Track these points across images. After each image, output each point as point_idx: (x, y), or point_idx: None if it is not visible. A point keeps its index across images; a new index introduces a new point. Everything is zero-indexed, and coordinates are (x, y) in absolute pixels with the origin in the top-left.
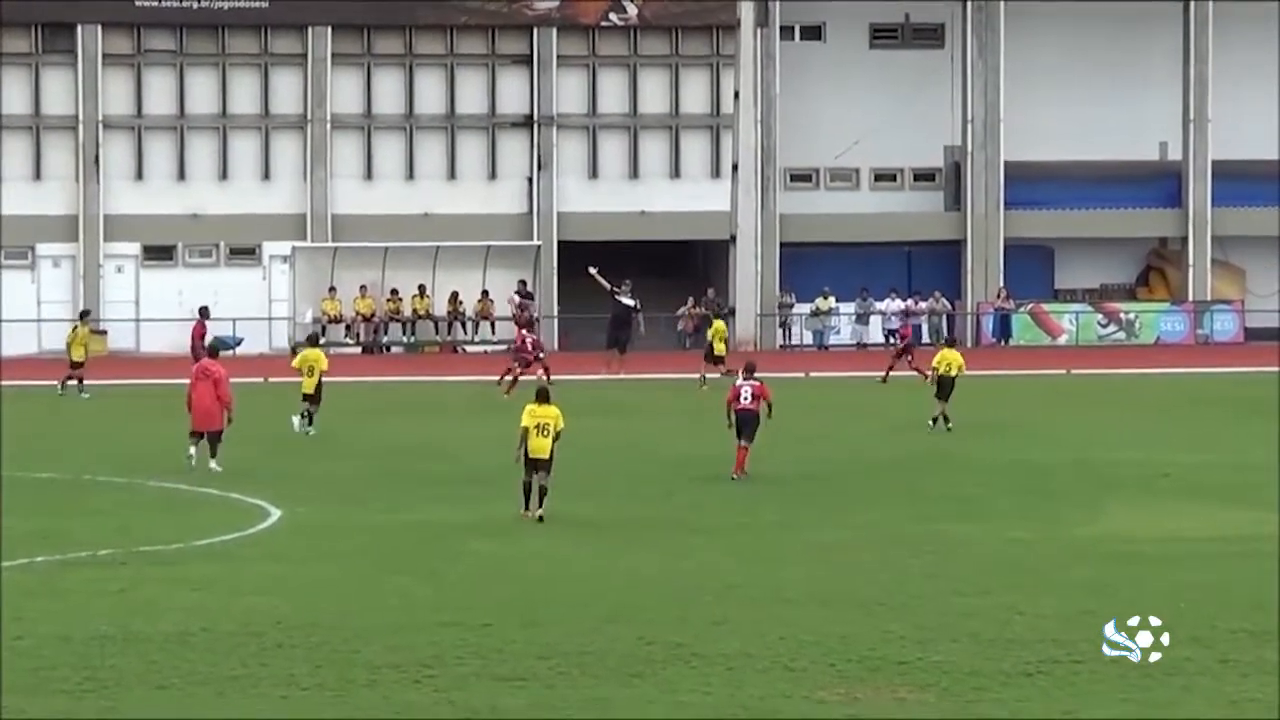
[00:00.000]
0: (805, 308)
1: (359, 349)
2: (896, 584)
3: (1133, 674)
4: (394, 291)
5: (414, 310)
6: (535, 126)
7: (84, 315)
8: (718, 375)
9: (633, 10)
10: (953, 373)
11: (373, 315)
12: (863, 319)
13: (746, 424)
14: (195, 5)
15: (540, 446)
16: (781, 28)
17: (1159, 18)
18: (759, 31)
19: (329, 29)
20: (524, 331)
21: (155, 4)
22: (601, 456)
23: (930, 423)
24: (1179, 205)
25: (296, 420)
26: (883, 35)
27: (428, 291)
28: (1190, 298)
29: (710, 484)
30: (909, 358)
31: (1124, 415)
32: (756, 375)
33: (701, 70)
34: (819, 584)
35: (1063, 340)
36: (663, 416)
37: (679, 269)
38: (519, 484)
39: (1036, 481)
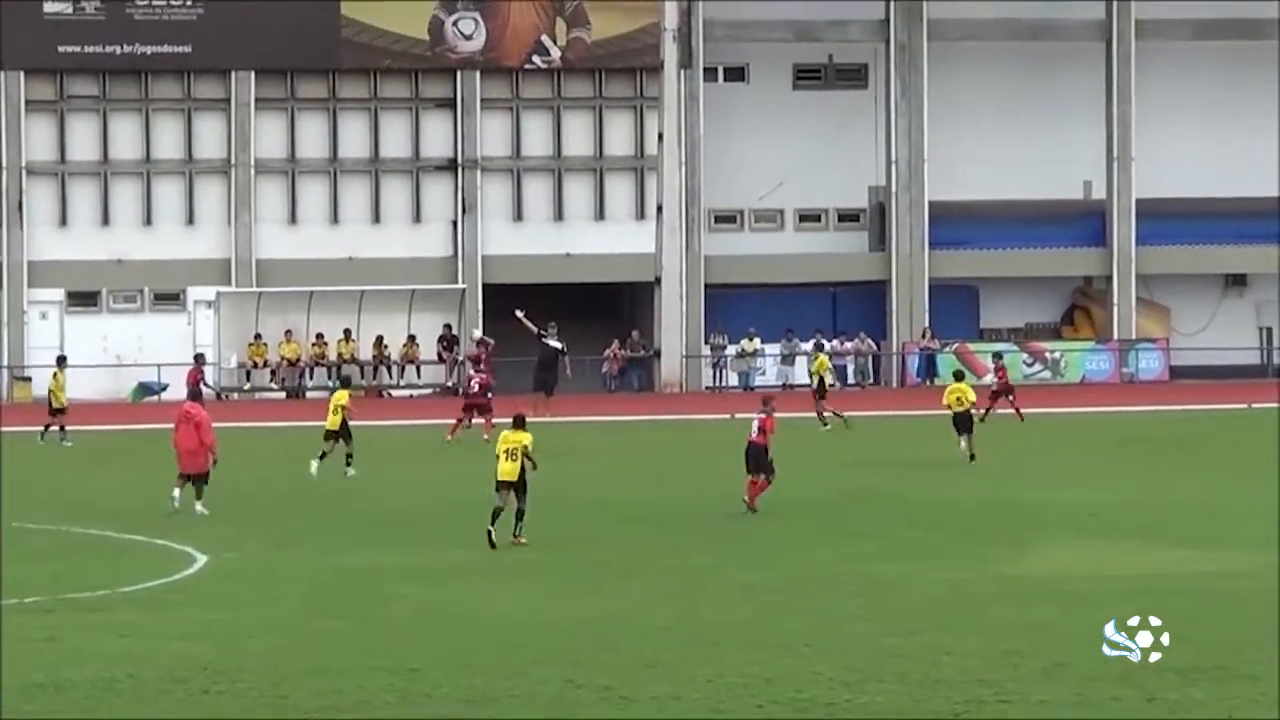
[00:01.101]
0: (732, 349)
1: (283, 394)
2: (825, 625)
3: (1060, 714)
4: (319, 336)
5: (339, 354)
6: (459, 170)
7: (61, 361)
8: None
9: (556, 53)
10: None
11: (298, 360)
12: (788, 360)
13: (751, 457)
14: (118, 50)
15: (508, 470)
16: (705, 69)
17: (1082, 56)
18: (682, 73)
19: (252, 74)
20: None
21: (78, 50)
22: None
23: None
24: (1103, 244)
25: (315, 465)
26: (806, 76)
27: (353, 335)
28: (1115, 336)
29: (637, 526)
30: (1011, 397)
31: (1050, 454)
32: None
33: (625, 112)
34: (747, 626)
35: (988, 379)
36: (589, 459)
37: (604, 311)
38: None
39: (963, 521)
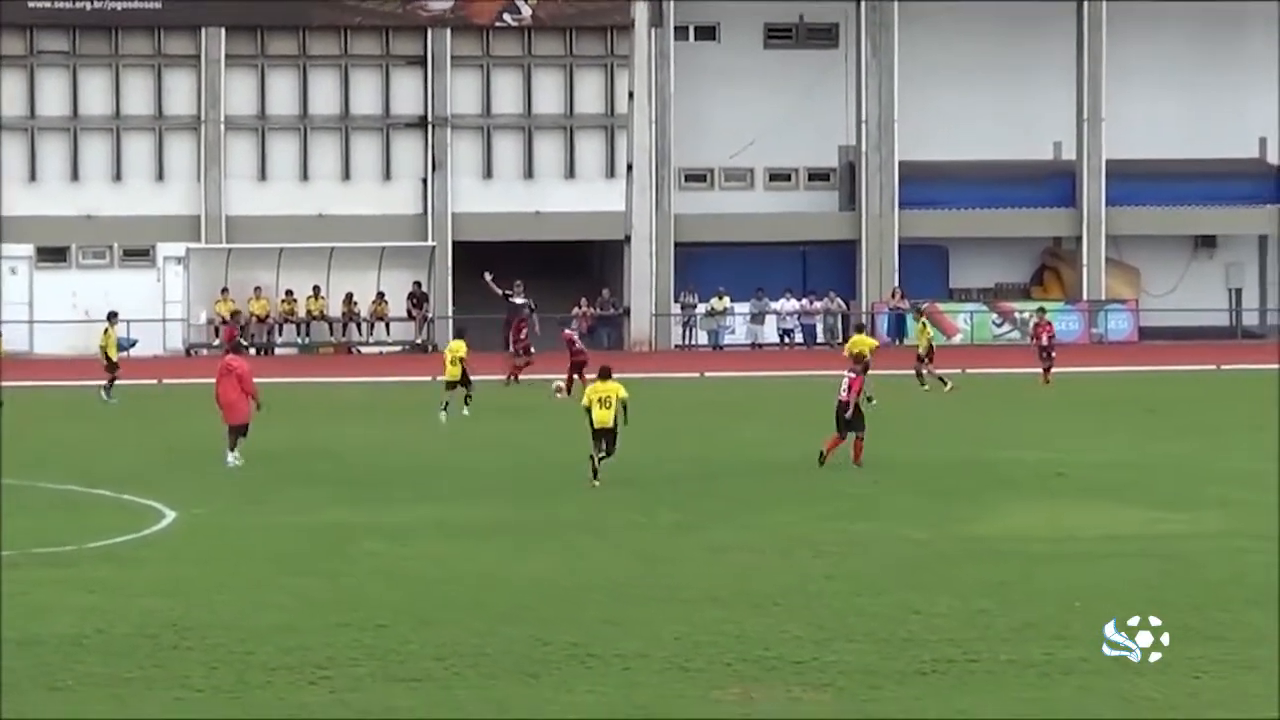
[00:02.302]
0: (701, 308)
1: (253, 350)
2: (793, 583)
3: (1028, 673)
4: (289, 293)
5: (309, 311)
6: (430, 127)
7: (111, 316)
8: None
9: (527, 11)
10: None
11: (267, 316)
12: (758, 319)
13: (840, 415)
14: (88, 6)
15: (603, 417)
16: (676, 28)
17: (1052, 17)
18: (653, 32)
19: (223, 30)
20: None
21: (48, 5)
22: (497, 457)
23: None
24: (1073, 205)
25: (442, 415)
26: (777, 35)
27: (322, 293)
28: (1085, 297)
29: (605, 485)
30: (1053, 354)
31: (1019, 414)
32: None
33: (596, 70)
34: (715, 584)
35: (958, 339)
36: (557, 417)
37: (574, 269)
38: (588, 457)
39: (932, 480)
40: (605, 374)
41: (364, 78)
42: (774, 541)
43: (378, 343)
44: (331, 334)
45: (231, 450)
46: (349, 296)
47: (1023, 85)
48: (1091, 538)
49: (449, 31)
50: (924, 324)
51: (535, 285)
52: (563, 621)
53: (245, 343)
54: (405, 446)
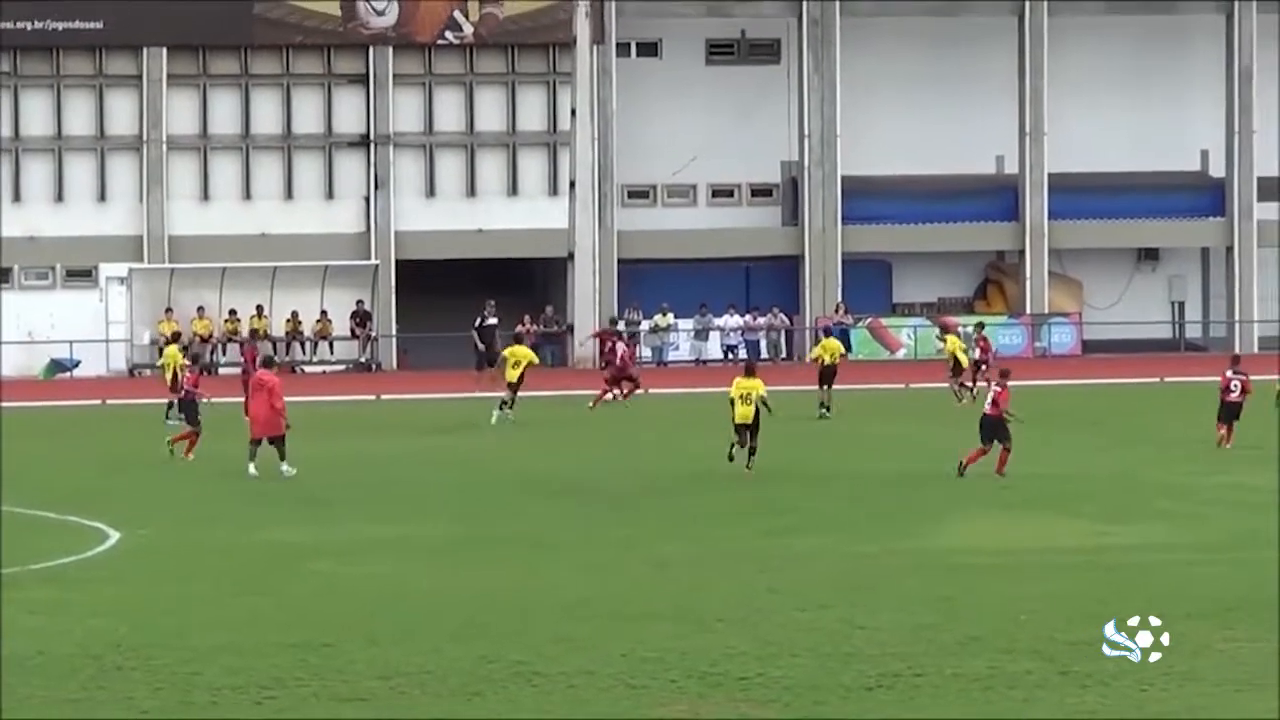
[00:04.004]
0: (645, 324)
1: (197, 370)
2: (738, 599)
3: (974, 687)
4: (232, 312)
5: (252, 331)
6: (372, 145)
7: (176, 337)
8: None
9: (469, 28)
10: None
11: (210, 336)
12: (701, 335)
13: (984, 428)
14: (29, 27)
15: (744, 413)
16: (618, 44)
17: (994, 32)
18: (595, 48)
19: (164, 50)
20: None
21: None
22: (445, 474)
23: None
24: (1016, 218)
25: (495, 414)
26: (719, 51)
27: (266, 312)
28: (1028, 310)
29: (551, 500)
30: (985, 368)
31: (962, 428)
32: (1008, 382)
33: (538, 87)
34: (661, 600)
35: (901, 354)
36: (503, 433)
37: (517, 287)
38: (728, 446)
39: (876, 494)
40: (749, 371)
41: (306, 96)
42: (719, 557)
43: (321, 362)
44: (275, 353)
45: (281, 459)
46: (293, 315)
47: (965, 99)
48: (1036, 550)
49: (390, 49)
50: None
51: (478, 303)
52: (509, 639)
53: (275, 358)
54: (351, 465)
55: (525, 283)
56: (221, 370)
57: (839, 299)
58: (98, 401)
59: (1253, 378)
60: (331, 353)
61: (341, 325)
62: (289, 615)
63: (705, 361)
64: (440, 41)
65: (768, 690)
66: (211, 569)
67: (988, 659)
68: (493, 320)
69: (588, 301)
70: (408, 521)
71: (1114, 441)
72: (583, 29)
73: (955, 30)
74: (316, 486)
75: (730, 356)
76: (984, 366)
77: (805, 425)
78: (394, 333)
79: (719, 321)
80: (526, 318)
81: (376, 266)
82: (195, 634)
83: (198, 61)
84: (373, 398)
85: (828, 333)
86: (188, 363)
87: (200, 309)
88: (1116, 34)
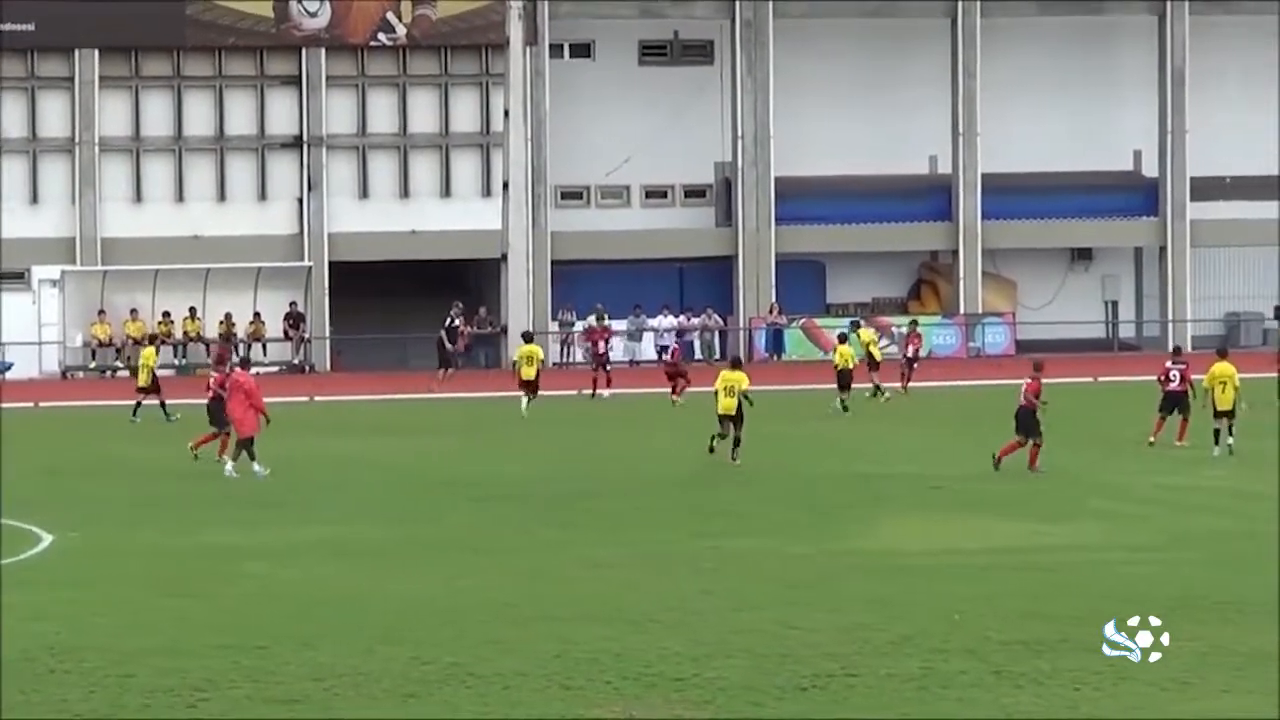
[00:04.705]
0: (579, 325)
1: (129, 372)
2: (672, 600)
3: (908, 687)
4: (165, 314)
5: (185, 333)
6: (305, 147)
7: (152, 339)
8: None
9: (401, 30)
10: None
11: (143, 338)
12: (635, 336)
13: (1020, 420)
14: None
15: (727, 405)
16: (551, 45)
17: (927, 32)
18: (528, 49)
19: (96, 52)
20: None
21: None
22: (379, 476)
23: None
24: (949, 219)
25: (524, 403)
26: (652, 52)
27: (199, 314)
28: (961, 310)
29: (484, 503)
30: (915, 366)
31: (896, 428)
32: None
33: (471, 89)
34: (595, 601)
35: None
36: (436, 435)
37: (450, 288)
38: (710, 438)
39: (810, 496)
40: (735, 364)
41: (238, 98)
42: (653, 558)
43: (255, 363)
44: (208, 355)
45: (234, 460)
46: (226, 317)
47: (898, 100)
48: (970, 551)
49: (323, 51)
50: (864, 333)
51: (412, 304)
52: (443, 641)
53: (236, 358)
54: (284, 467)
55: (458, 284)
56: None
57: (773, 299)
58: (30, 404)
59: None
60: (265, 354)
61: (275, 327)
62: (222, 617)
63: (639, 362)
64: (373, 43)
65: (702, 691)
66: (144, 572)
67: (921, 659)
68: (458, 324)
69: (521, 302)
70: (341, 524)
71: (1049, 442)
72: (515, 30)
73: (888, 31)
74: (250, 489)
75: (664, 358)
76: (915, 364)
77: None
78: (327, 334)
79: (653, 322)
80: (461, 319)
81: (310, 268)
82: (128, 637)
83: (130, 63)
84: (306, 399)
85: (843, 339)
86: (211, 363)
87: (133, 311)
88: (1049, 35)
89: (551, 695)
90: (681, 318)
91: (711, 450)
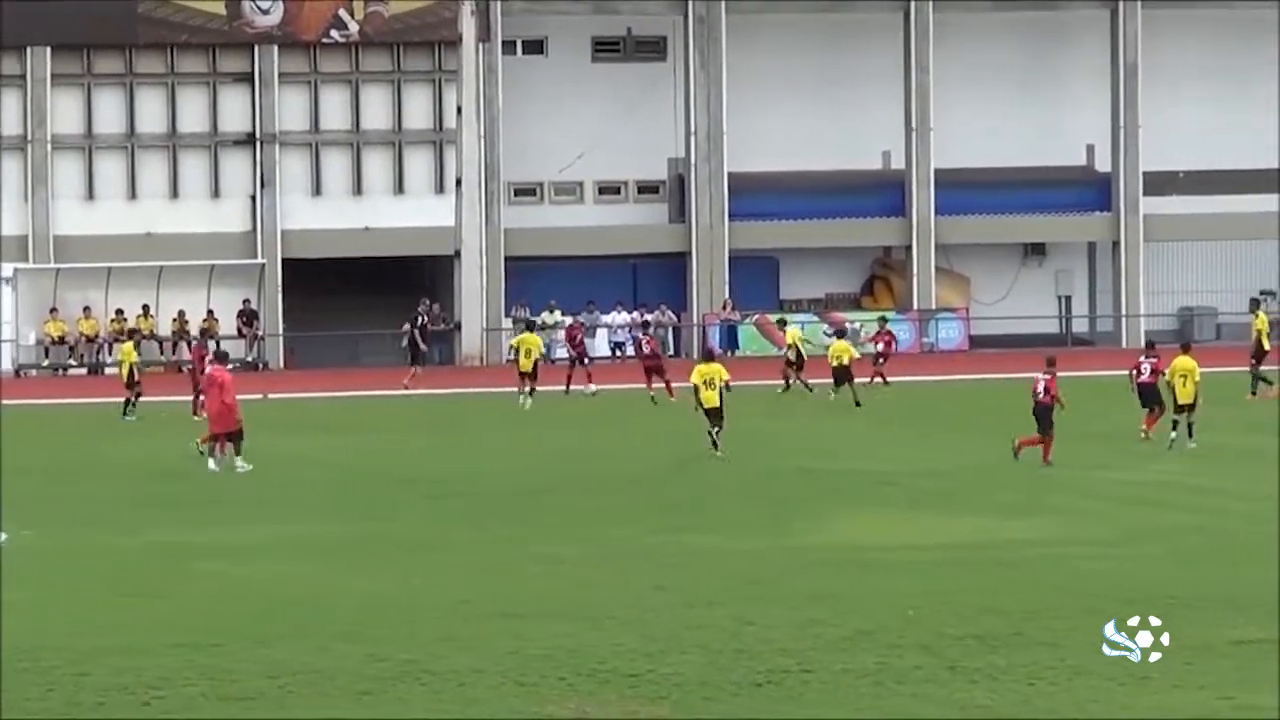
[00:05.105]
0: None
1: (84, 370)
2: (627, 596)
3: (863, 683)
4: (118, 312)
5: (202, 330)
6: (258, 144)
7: (132, 334)
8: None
9: (354, 26)
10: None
11: (96, 336)
12: (589, 332)
13: (1039, 417)
14: None
15: (710, 397)
16: (504, 42)
17: (880, 28)
18: (481, 46)
19: (48, 49)
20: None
21: None
22: (333, 474)
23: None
24: (903, 214)
25: (524, 400)
26: (605, 48)
27: (152, 311)
28: (915, 306)
29: (439, 500)
30: (883, 361)
31: (850, 424)
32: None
33: (424, 85)
34: (549, 598)
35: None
36: (390, 433)
37: (404, 285)
38: (703, 432)
39: (765, 491)
40: (709, 356)
41: (191, 95)
42: (607, 555)
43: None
44: (162, 352)
45: (237, 454)
46: (179, 315)
47: (851, 95)
48: (924, 546)
49: (276, 48)
50: (792, 332)
51: (365, 301)
52: (398, 639)
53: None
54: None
55: (412, 281)
56: (108, 370)
57: (726, 295)
58: None
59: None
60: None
61: (228, 324)
62: (177, 616)
63: (592, 359)
64: (325, 40)
65: (657, 687)
66: (99, 570)
67: (876, 655)
68: (427, 319)
69: (475, 299)
70: (296, 522)
71: (1002, 437)
72: (468, 27)
73: (841, 26)
74: (204, 487)
75: (618, 354)
76: (883, 360)
77: (682, 422)
78: (281, 331)
79: (606, 319)
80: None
81: (263, 265)
82: (83, 635)
83: (82, 61)
84: (259, 397)
85: (840, 335)
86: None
87: (86, 309)
88: (1002, 30)
89: (506, 692)
90: (635, 314)
91: (714, 445)
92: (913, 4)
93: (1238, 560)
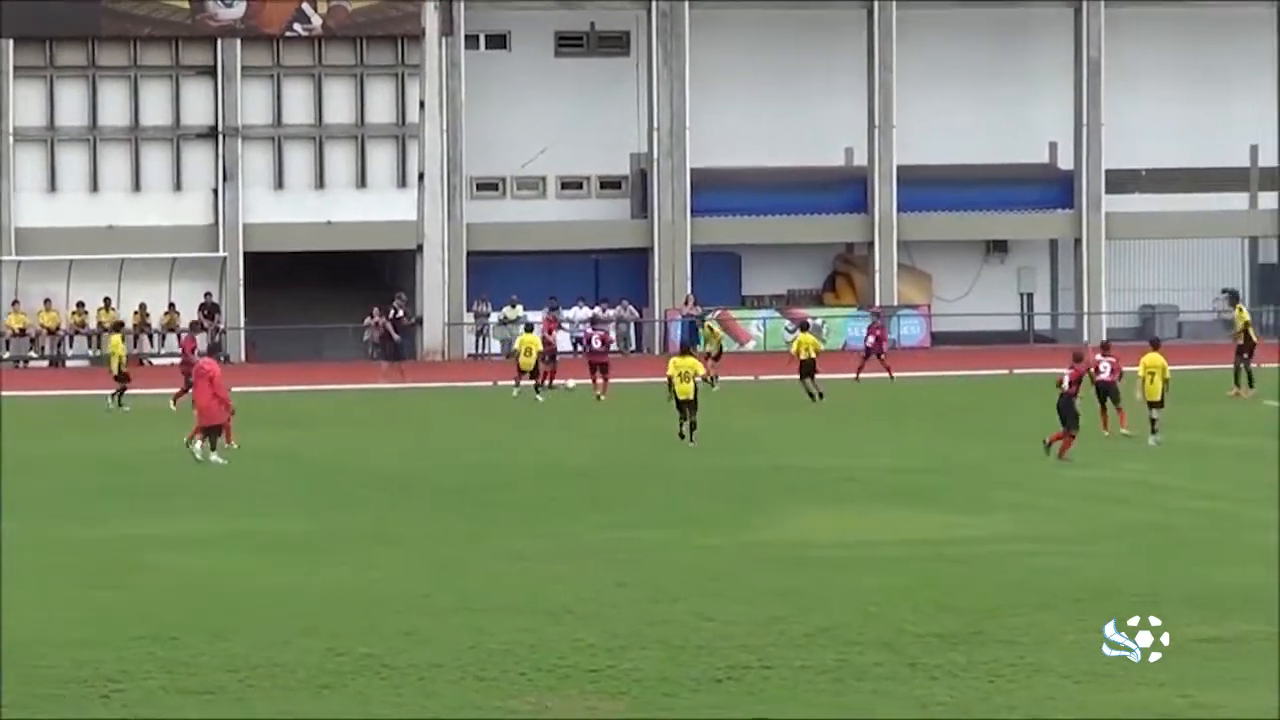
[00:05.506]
0: (495, 316)
1: (45, 362)
2: (586, 591)
3: (823, 679)
4: (80, 304)
5: (99, 323)
6: (220, 137)
7: (118, 327)
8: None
9: (317, 20)
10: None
11: (58, 329)
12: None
13: (1061, 410)
14: None
15: (685, 390)
16: (467, 36)
17: (842, 23)
18: (444, 40)
19: (10, 42)
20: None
21: None
22: (290, 468)
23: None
24: (865, 210)
25: (513, 390)
26: (568, 43)
27: (113, 304)
28: (877, 303)
29: (399, 494)
30: (882, 356)
31: (810, 420)
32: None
33: (387, 79)
34: (509, 593)
35: (750, 346)
36: (351, 427)
37: (366, 279)
38: (677, 422)
39: (725, 487)
40: (685, 350)
41: (153, 88)
42: (567, 550)
43: (169, 354)
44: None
45: (212, 450)
46: (141, 308)
47: (814, 91)
48: (885, 543)
49: (239, 42)
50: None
51: (327, 296)
52: (357, 633)
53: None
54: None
55: (374, 275)
56: (69, 363)
57: (688, 291)
58: None
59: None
60: (180, 345)
61: (190, 317)
62: (136, 608)
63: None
64: (288, 33)
65: (617, 683)
66: (55, 563)
67: (836, 651)
68: (402, 313)
69: (437, 294)
70: (257, 515)
71: (963, 434)
72: (431, 21)
73: (804, 23)
74: (163, 480)
75: (580, 349)
76: (871, 355)
77: (650, 419)
78: (242, 325)
79: (568, 314)
80: (375, 310)
81: (225, 259)
82: (40, 628)
83: (44, 53)
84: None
85: (804, 327)
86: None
87: (47, 301)
88: (965, 27)
89: (466, 687)
90: (597, 309)
91: (682, 436)
92: (876, 1)
93: (1195, 558)
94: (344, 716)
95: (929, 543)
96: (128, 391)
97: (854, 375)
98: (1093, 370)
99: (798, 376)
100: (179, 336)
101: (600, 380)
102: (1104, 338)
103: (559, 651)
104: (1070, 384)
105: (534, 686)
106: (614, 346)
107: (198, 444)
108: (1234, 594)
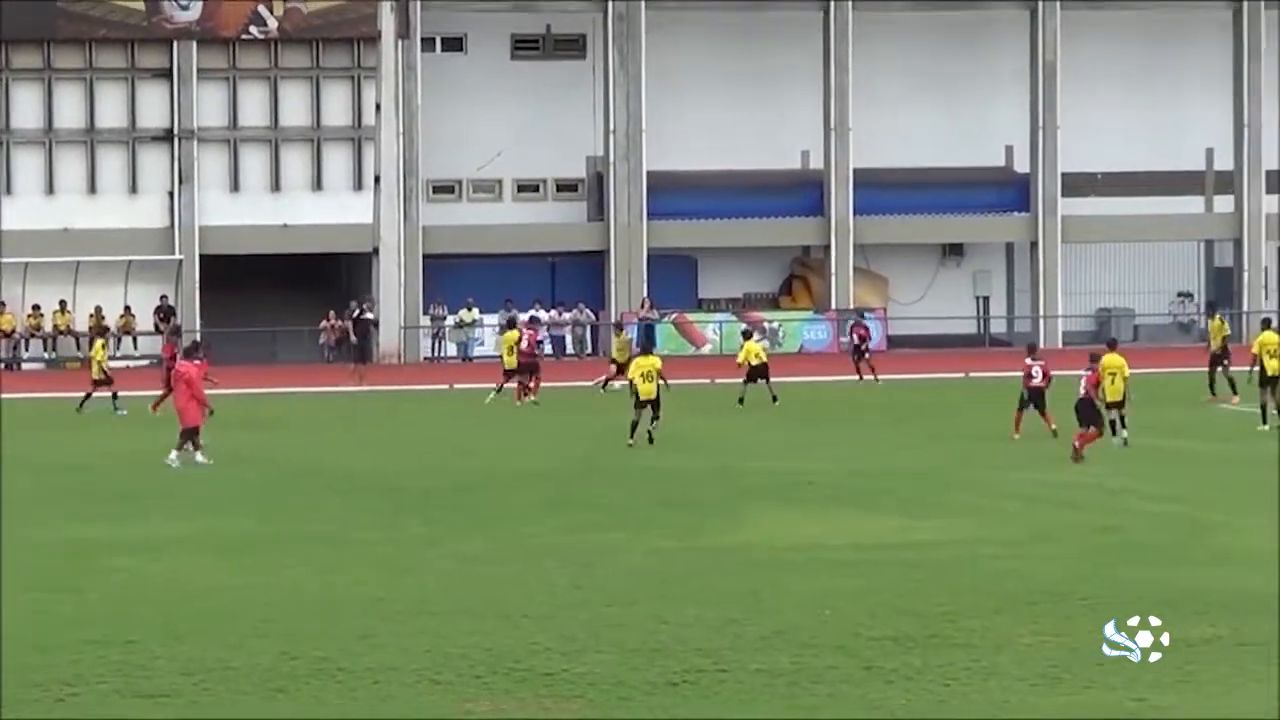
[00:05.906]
0: (450, 320)
1: (0, 365)
2: (542, 595)
3: (778, 682)
4: (35, 307)
5: (55, 326)
6: (176, 140)
7: (104, 331)
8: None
9: (273, 23)
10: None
11: (13, 331)
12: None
13: (1079, 411)
14: None
15: (647, 390)
16: (423, 39)
17: (798, 26)
18: (400, 43)
19: None
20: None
21: None
22: (245, 470)
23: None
24: (821, 214)
25: (520, 403)
26: (524, 46)
27: (69, 307)
28: (833, 306)
29: (354, 497)
30: (868, 357)
31: (767, 423)
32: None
33: (343, 82)
34: (464, 596)
35: (706, 350)
36: (306, 429)
37: (322, 282)
38: (628, 421)
39: (681, 490)
40: (646, 350)
41: (109, 90)
42: (523, 553)
43: (125, 357)
44: (78, 348)
45: (178, 450)
46: (96, 310)
47: (769, 95)
48: (841, 546)
49: (194, 44)
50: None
51: (283, 298)
52: (312, 635)
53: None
54: (152, 460)
55: (330, 278)
56: (25, 365)
57: (644, 294)
58: None
59: (1055, 372)
60: (135, 348)
61: (145, 320)
62: (90, 612)
63: None
64: (244, 36)
65: (572, 686)
66: (9, 566)
67: (792, 654)
68: (370, 316)
69: (393, 296)
70: (210, 517)
71: (918, 437)
72: (387, 23)
73: (760, 26)
74: (118, 482)
75: (536, 352)
76: (867, 355)
77: (600, 420)
78: (198, 328)
79: (524, 317)
80: (332, 313)
81: (180, 262)
82: None
83: (0, 55)
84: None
85: (747, 335)
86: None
87: (1, 304)
88: (921, 29)
89: (421, 690)
90: (553, 312)
91: (632, 437)
92: (832, 4)
93: (1147, 561)
94: (298, 718)
95: (885, 546)
96: (104, 395)
97: (854, 377)
98: (1024, 375)
99: (743, 380)
100: (134, 339)
101: (532, 382)
102: (1031, 342)
103: (515, 655)
104: (1088, 388)
105: (489, 690)
106: (546, 349)
107: (199, 455)
108: (1189, 597)
